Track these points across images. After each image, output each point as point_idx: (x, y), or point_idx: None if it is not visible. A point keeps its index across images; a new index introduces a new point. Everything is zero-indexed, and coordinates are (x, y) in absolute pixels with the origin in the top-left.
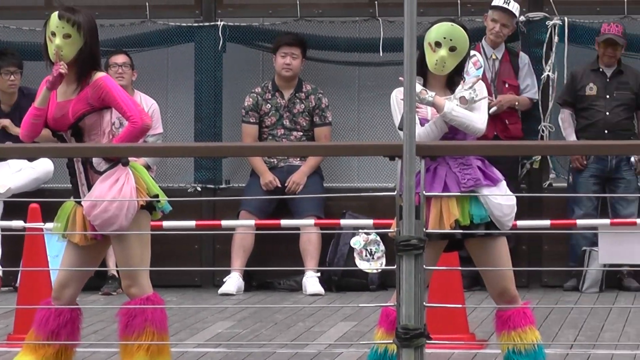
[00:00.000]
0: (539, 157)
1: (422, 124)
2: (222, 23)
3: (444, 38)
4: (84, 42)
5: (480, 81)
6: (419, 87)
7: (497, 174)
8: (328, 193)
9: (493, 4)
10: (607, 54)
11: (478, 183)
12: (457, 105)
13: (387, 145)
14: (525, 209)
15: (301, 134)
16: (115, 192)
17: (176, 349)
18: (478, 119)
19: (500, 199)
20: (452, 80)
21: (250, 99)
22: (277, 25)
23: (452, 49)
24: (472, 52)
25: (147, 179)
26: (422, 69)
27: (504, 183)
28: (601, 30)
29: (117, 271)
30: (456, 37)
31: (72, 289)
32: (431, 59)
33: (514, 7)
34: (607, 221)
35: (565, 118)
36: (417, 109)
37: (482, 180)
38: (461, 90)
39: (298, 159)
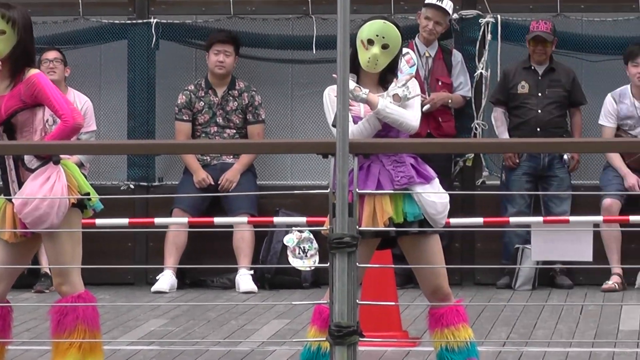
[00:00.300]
0: (472, 155)
1: (355, 122)
2: (154, 20)
3: (377, 36)
4: (18, 39)
5: (414, 79)
6: (352, 84)
7: (430, 171)
8: (261, 191)
9: (426, 1)
10: (537, 52)
11: (411, 181)
12: (390, 102)
13: (320, 143)
14: (458, 207)
15: (234, 131)
16: (46, 190)
17: (109, 347)
18: (411, 116)
19: (434, 196)
20: (385, 77)
21: (184, 97)
22: (210, 23)
23: (384, 47)
24: (405, 50)
25: (79, 177)
26: (355, 67)
27: (437, 181)
28: (530, 28)
29: (50, 269)
30: (389, 35)
31: (2, 285)
32: (364, 56)
33: (447, 5)
34: (540, 219)
35: (498, 116)
36: (351, 107)
37: (415, 178)
38: (394, 88)
39: (231, 156)
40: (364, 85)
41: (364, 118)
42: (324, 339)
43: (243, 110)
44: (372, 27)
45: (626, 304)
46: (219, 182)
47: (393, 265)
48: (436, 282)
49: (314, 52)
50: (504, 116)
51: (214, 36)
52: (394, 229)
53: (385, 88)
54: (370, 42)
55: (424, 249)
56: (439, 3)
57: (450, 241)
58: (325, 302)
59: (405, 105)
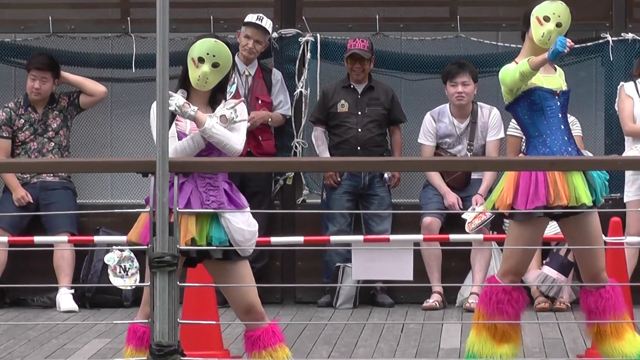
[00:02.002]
0: (292, 174)
1: (179, 138)
2: None
3: (207, 54)
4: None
5: (242, 103)
6: (182, 100)
7: (243, 200)
8: (81, 209)
9: (246, 20)
10: (355, 70)
11: (222, 207)
12: (217, 123)
13: (140, 162)
14: (278, 226)
15: (53, 144)
16: None
17: None
18: (236, 139)
19: (242, 224)
20: (215, 97)
21: (4, 114)
22: (29, 42)
23: (214, 65)
24: None
25: None
26: (186, 84)
27: (248, 209)
28: (347, 46)
29: None
30: (219, 54)
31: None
32: (194, 74)
33: (267, 24)
34: (360, 237)
35: (318, 135)
36: (177, 122)
37: (225, 204)
38: (222, 109)
39: (51, 175)
40: (193, 102)
41: (189, 135)
42: (145, 358)
43: (63, 126)
44: (203, 46)
45: (447, 322)
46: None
47: (213, 284)
48: (248, 302)
49: (134, 70)
50: (324, 135)
51: (33, 60)
52: (213, 247)
53: (214, 108)
54: (201, 60)
55: (230, 274)
56: (258, 22)
57: (271, 260)
58: (143, 321)
59: (232, 127)
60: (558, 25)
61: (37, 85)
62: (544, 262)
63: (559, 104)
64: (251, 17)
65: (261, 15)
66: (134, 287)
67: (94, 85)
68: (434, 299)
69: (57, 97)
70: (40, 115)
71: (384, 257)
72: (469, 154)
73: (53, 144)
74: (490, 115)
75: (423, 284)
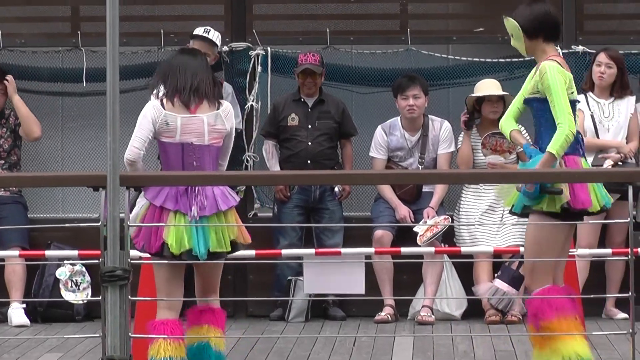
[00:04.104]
0: (244, 187)
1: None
2: None
3: None
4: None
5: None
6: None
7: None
8: (32, 223)
9: (193, 33)
10: (307, 84)
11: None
12: None
13: (90, 176)
14: None
15: (3, 162)
16: None
17: None
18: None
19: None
20: None
21: None
22: None
23: None
24: None
25: None
26: None
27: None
28: (299, 60)
29: None
30: None
31: None
32: None
33: (214, 36)
34: (311, 251)
35: (269, 149)
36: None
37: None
38: None
39: (2, 189)
40: None
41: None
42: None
43: (12, 130)
44: None
45: (399, 335)
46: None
47: (166, 299)
48: (215, 284)
49: (84, 84)
50: (275, 148)
51: None
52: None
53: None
54: None
55: (216, 264)
56: (205, 34)
57: (223, 273)
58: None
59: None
60: (511, 36)
61: None
62: (495, 275)
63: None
64: (198, 30)
65: (208, 27)
66: (85, 301)
67: (32, 126)
68: (386, 312)
69: (6, 112)
70: None
71: (335, 271)
72: (420, 167)
73: (3, 161)
74: (441, 129)
75: (375, 297)
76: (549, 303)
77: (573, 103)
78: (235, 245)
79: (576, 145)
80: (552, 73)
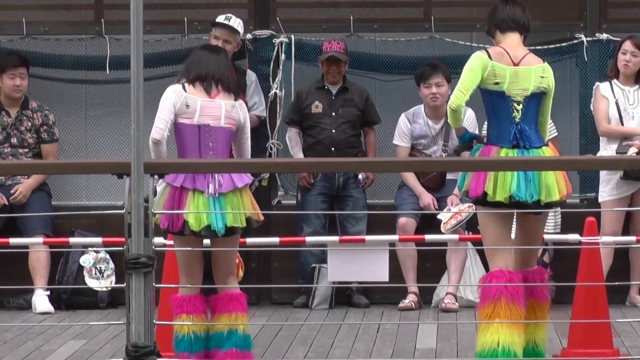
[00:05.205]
0: (268, 175)
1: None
2: None
3: None
4: None
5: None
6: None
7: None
8: (57, 211)
9: (215, 20)
10: (331, 72)
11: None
12: None
13: (114, 163)
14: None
15: (27, 150)
16: None
17: None
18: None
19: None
20: None
21: None
22: (3, 44)
23: None
24: None
25: None
26: None
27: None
28: (323, 49)
29: None
30: None
31: None
32: None
33: (235, 23)
34: (335, 238)
35: (292, 136)
36: (187, 108)
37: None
38: None
39: (25, 177)
40: None
41: None
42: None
43: (37, 130)
44: None
45: (423, 323)
46: (12, 193)
47: (195, 285)
48: (232, 267)
49: (108, 72)
50: (299, 136)
51: (6, 60)
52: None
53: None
54: None
55: (231, 244)
56: (226, 21)
57: (247, 261)
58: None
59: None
60: None
61: (17, 82)
62: None
63: None
64: (220, 18)
65: (229, 15)
66: (109, 288)
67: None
68: (410, 300)
69: (31, 105)
70: (14, 119)
71: (359, 258)
72: (444, 154)
73: (27, 149)
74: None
75: (399, 284)
76: (485, 289)
77: (497, 93)
78: (249, 222)
79: (501, 136)
80: (471, 59)
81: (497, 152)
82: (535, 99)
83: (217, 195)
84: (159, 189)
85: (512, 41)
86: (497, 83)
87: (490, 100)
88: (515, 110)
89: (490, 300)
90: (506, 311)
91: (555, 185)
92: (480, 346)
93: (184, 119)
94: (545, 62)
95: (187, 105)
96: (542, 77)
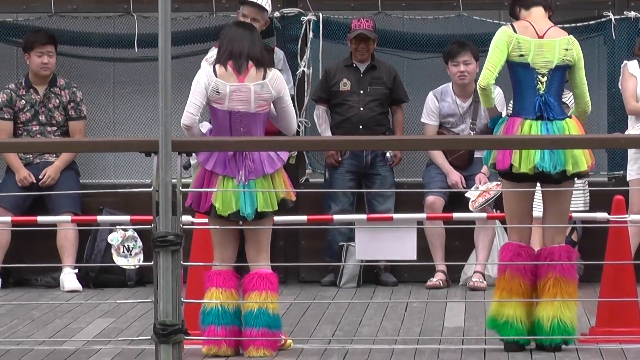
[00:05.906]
0: (295, 153)
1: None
2: None
3: None
4: None
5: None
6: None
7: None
8: (84, 189)
9: None
10: (360, 50)
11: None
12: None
13: (142, 141)
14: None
15: (56, 128)
16: None
17: None
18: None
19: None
20: None
21: (4, 95)
22: (31, 21)
23: None
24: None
25: None
26: None
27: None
28: (351, 26)
29: None
30: None
31: None
32: None
33: (264, 1)
34: (363, 216)
35: (320, 114)
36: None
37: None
38: None
39: (54, 155)
40: None
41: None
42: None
43: (65, 107)
44: None
45: (450, 301)
46: (40, 179)
47: (219, 264)
48: (264, 245)
49: (136, 50)
50: (326, 114)
51: (33, 38)
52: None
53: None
54: None
55: (264, 223)
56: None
57: (274, 239)
58: (149, 301)
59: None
60: None
61: (45, 60)
62: None
63: None
64: None
65: None
66: (137, 266)
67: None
68: (438, 278)
69: (59, 82)
70: (42, 97)
71: (387, 236)
72: (472, 132)
73: (56, 128)
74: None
75: (427, 262)
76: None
77: (522, 65)
78: (284, 203)
79: (525, 107)
80: (496, 34)
81: (521, 124)
82: (560, 71)
83: (247, 182)
84: (192, 162)
85: (537, 15)
86: (521, 55)
87: (515, 72)
88: (539, 82)
89: (500, 273)
90: (508, 284)
91: (582, 155)
92: (489, 317)
93: (215, 103)
94: (571, 35)
95: (218, 92)
96: (566, 49)
